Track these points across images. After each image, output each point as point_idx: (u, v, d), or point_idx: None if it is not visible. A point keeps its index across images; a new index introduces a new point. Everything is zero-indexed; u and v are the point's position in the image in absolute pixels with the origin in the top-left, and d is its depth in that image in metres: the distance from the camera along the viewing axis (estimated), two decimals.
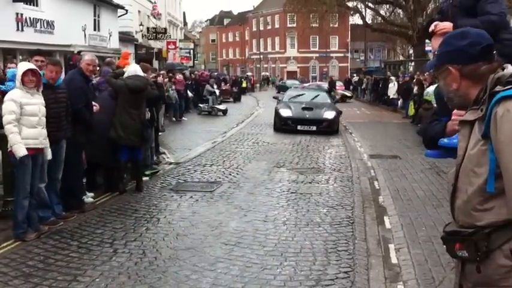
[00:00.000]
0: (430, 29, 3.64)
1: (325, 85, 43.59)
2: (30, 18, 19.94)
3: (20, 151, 6.00)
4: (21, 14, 19.33)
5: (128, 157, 8.82)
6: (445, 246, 2.36)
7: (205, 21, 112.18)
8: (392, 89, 27.66)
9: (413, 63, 35.70)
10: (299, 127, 17.37)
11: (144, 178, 9.57)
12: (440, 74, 2.40)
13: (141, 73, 9.03)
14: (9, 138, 6.05)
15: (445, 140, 3.56)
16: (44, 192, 6.60)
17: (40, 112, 6.29)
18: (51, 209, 6.79)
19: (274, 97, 22.46)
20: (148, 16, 39.07)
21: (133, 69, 9.10)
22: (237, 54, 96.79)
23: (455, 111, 3.64)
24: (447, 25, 3.45)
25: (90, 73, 7.90)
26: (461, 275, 2.30)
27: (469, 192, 2.20)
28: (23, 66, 6.37)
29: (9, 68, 9.46)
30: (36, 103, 6.26)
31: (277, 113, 18.36)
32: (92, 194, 8.13)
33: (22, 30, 19.41)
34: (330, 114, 17.93)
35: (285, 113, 18.10)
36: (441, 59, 2.37)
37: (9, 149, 6.14)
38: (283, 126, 17.76)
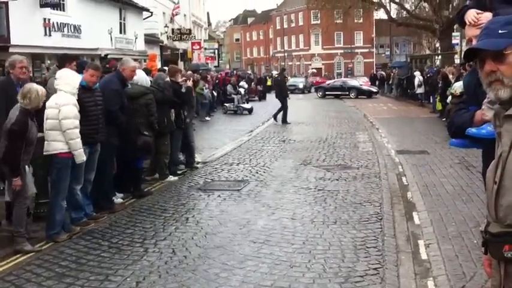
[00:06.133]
0: (469, 20, 3.54)
1: (353, 82, 43.14)
2: (57, 23, 20.27)
3: (82, 157, 6.33)
4: (49, 19, 19.65)
5: (125, 163, 8.32)
6: (485, 247, 2.25)
7: (229, 20, 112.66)
8: (417, 84, 27.27)
9: (439, 57, 35.22)
10: None
11: (172, 178, 9.67)
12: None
13: (143, 81, 8.85)
14: (74, 142, 6.24)
15: (473, 130, 3.46)
16: (79, 194, 6.71)
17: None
18: (83, 210, 6.91)
19: None
20: (171, 18, 39.36)
21: (136, 78, 8.60)
22: (262, 52, 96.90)
23: (485, 100, 3.56)
24: (489, 16, 3.31)
25: (131, 79, 8.14)
26: (505, 276, 2.18)
27: None
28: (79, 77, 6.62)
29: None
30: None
31: None
32: (121, 195, 8.24)
33: (50, 35, 19.74)
34: None
35: None
36: None
37: (57, 152, 6.24)
38: None
